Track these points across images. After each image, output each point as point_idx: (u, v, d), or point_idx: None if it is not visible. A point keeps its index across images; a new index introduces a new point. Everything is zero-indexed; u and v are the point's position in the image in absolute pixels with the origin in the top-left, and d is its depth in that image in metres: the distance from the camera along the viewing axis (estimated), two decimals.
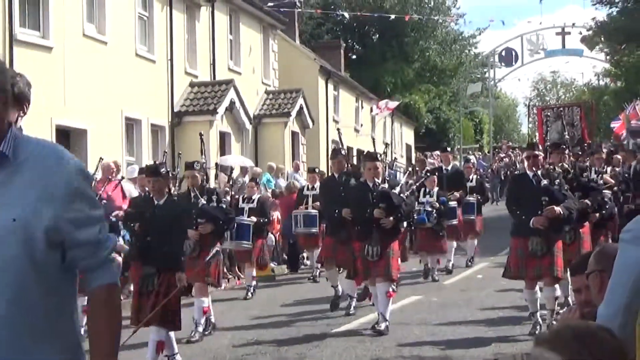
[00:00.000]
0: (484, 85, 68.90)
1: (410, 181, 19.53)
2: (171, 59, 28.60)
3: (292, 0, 43.63)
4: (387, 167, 16.60)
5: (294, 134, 35.48)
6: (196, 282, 13.84)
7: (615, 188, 18.81)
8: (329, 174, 17.91)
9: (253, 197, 18.90)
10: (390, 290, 14.25)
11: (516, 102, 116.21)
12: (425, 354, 12.54)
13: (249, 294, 18.82)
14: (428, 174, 21.36)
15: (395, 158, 24.22)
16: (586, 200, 15.17)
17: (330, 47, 48.75)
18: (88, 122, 23.51)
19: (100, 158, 16.26)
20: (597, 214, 15.89)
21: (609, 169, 20.11)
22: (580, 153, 21.96)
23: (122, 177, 19.55)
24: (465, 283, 20.03)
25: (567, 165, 15.73)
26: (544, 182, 13.04)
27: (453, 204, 21.00)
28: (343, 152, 16.69)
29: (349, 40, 56.49)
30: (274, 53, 37.84)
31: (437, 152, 36.66)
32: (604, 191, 16.77)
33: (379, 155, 15.00)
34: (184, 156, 27.31)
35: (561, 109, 42.66)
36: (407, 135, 57.88)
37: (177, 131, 28.70)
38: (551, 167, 14.80)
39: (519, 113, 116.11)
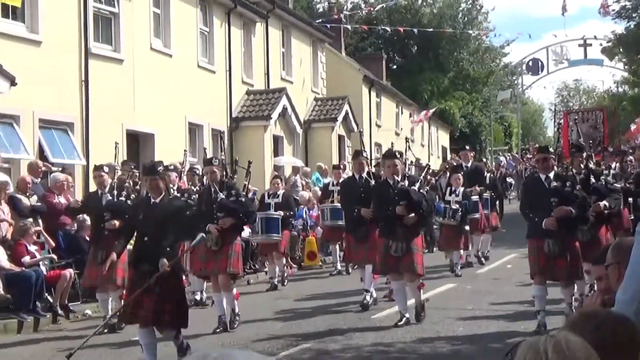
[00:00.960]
0: (513, 92, 68.74)
1: (429, 176, 18.90)
2: (229, 70, 28.62)
3: (338, 16, 43.72)
4: (407, 165, 15.30)
5: (340, 137, 35.42)
6: (220, 275, 13.08)
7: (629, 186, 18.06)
8: (351, 174, 16.58)
9: (278, 193, 18.47)
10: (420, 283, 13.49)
11: (542, 107, 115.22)
12: (460, 334, 12.44)
13: (280, 283, 18.50)
14: (447, 172, 20.87)
15: (418, 158, 23.35)
16: (604, 202, 13.85)
17: (373, 59, 48.63)
18: (155, 127, 23.57)
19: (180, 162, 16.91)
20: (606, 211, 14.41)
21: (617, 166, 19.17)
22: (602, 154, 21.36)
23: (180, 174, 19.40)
24: (497, 273, 19.68)
25: (585, 167, 14.64)
26: (554, 184, 12.15)
27: (475, 198, 20.06)
28: (365, 154, 15.85)
29: (390, 52, 56.38)
30: (322, 64, 37.81)
31: (471, 154, 36.41)
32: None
33: (397, 153, 13.90)
34: (241, 158, 27.53)
35: (586, 113, 42.14)
36: (443, 138, 57.67)
37: (235, 135, 28.75)
38: (569, 169, 14.28)
39: (544, 117, 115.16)
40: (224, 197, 12.94)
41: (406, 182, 13.09)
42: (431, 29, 52.44)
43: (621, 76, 69.88)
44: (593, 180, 14.15)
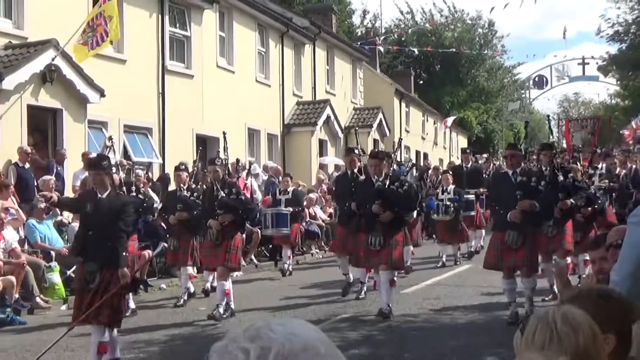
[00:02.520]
0: (521, 103, 68.38)
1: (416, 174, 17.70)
2: (282, 84, 28.65)
3: (374, 39, 43.79)
4: (393, 164, 13.88)
5: (375, 141, 35.31)
6: (218, 267, 12.02)
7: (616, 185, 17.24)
8: (344, 170, 14.79)
9: (288, 190, 17.74)
10: (394, 279, 12.16)
11: (546, 116, 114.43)
12: (475, 305, 12.36)
13: (287, 273, 17.26)
14: (443, 172, 19.84)
15: (410, 159, 21.57)
16: (571, 200, 12.54)
17: (403, 75, 48.43)
18: (220, 131, 23.52)
19: (237, 159, 16.09)
20: (589, 209, 13.21)
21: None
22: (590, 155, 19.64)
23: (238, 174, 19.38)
24: None
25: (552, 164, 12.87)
26: (520, 178, 10.83)
27: (471, 197, 18.65)
28: (357, 151, 14.27)
29: (417, 70, 56.09)
30: (360, 79, 37.76)
31: (485, 155, 36.18)
32: (591, 189, 13.89)
33: (381, 153, 12.58)
34: (292, 158, 27.51)
35: (584, 120, 41.65)
36: (462, 142, 57.24)
37: (286, 139, 28.78)
38: (539, 165, 13.06)
39: (548, 125, 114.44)
40: (224, 195, 11.88)
41: (387, 181, 11.75)
42: (452, 50, 52.31)
43: (614, 90, 69.31)
44: (561, 178, 12.69)
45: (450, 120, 47.14)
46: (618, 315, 2.85)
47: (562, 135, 44.06)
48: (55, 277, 13.39)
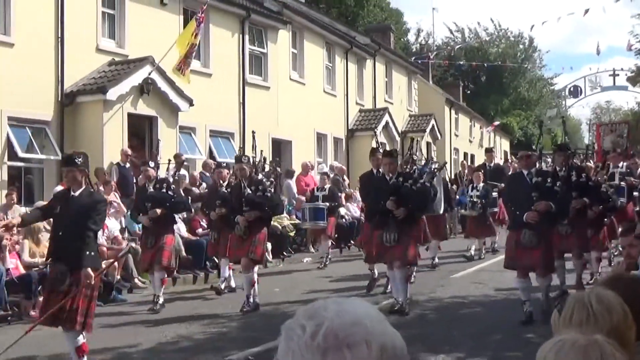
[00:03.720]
0: (558, 110, 67.25)
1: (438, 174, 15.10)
2: (347, 94, 28.51)
3: (427, 54, 43.54)
4: (409, 163, 12.55)
5: (428, 144, 35.00)
6: (242, 259, 11.01)
7: None
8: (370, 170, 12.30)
9: (325, 187, 16.98)
10: (410, 274, 11.42)
11: (580, 122, 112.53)
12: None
13: (324, 263, 16.20)
14: (474, 171, 18.34)
15: (432, 157, 19.34)
16: (584, 199, 11.30)
17: (452, 86, 47.98)
18: (292, 136, 23.64)
19: (264, 157, 14.98)
20: (600, 207, 11.82)
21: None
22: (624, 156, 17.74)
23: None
24: None
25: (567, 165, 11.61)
26: (536, 179, 9.69)
27: (495, 194, 17.26)
28: (379, 152, 12.41)
29: (465, 81, 55.60)
30: (414, 89, 37.46)
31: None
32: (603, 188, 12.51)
33: (394, 152, 11.46)
34: (355, 160, 27.38)
35: (613, 124, 40.61)
36: (505, 145, 56.55)
37: (350, 142, 28.69)
38: (553, 166, 11.61)
39: (582, 130, 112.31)
40: (250, 192, 10.90)
41: (401, 179, 10.63)
42: (496, 64, 51.77)
43: None
44: (575, 177, 11.38)
45: (494, 125, 46.62)
46: None
47: (594, 139, 43.27)
48: None
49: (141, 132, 17.72)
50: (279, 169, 18.04)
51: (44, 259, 9.90)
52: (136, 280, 13.02)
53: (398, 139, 31.56)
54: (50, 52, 15.97)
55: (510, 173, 16.10)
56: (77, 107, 16.30)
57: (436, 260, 15.54)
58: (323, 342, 1.34)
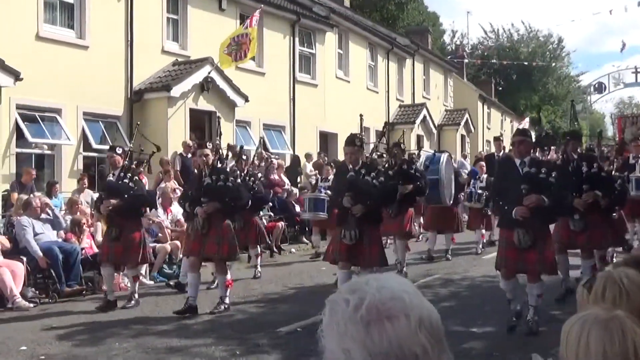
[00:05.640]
0: (583, 105, 66.12)
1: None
2: (388, 91, 28.34)
3: (462, 54, 43.14)
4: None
5: (462, 136, 34.66)
6: (214, 260, 9.17)
7: None
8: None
9: (329, 178, 14.71)
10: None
11: (604, 115, 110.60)
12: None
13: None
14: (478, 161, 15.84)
15: (422, 147, 17.11)
16: (596, 191, 8.81)
17: (485, 82, 47.37)
18: (338, 129, 23.54)
19: (228, 144, 12.88)
20: (606, 199, 9.15)
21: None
22: None
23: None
24: None
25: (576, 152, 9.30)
26: (527, 169, 7.35)
27: None
28: (402, 146, 11.94)
29: (497, 78, 54.82)
30: (450, 86, 37.08)
31: (553, 147, 34.97)
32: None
33: (357, 139, 8.47)
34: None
35: (634, 117, 39.60)
36: (533, 138, 56.05)
37: (391, 135, 28.48)
38: (564, 155, 9.43)
39: (606, 123, 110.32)
40: (210, 181, 8.78)
41: (364, 171, 8.23)
42: (526, 62, 51.02)
43: None
44: (586, 168, 9.01)
45: (526, 120, 45.95)
46: None
47: (616, 131, 42.34)
48: None
49: (201, 125, 17.80)
50: (269, 158, 17.25)
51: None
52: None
53: (434, 131, 31.36)
54: (121, 54, 16.13)
55: (501, 159, 12.74)
56: (145, 103, 16.44)
57: (449, 255, 13.59)
58: (366, 315, 1.33)
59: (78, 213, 11.68)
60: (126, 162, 9.44)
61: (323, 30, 23.08)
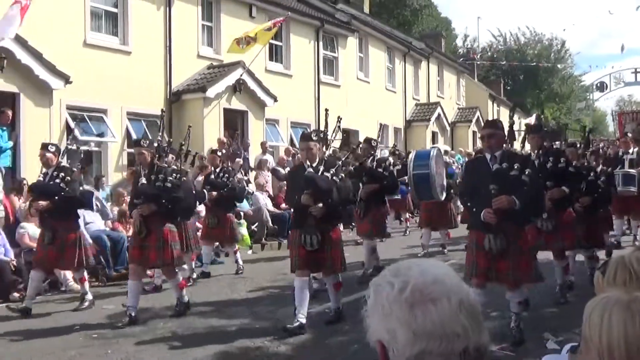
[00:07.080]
0: (586, 103, 65.44)
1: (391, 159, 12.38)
2: (405, 91, 28.17)
3: (473, 56, 42.85)
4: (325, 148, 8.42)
5: (474, 132, 34.41)
6: (162, 269, 8.14)
7: None
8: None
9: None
10: (339, 282, 7.32)
11: (606, 113, 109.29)
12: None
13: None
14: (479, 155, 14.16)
15: (395, 144, 16.31)
16: (563, 187, 7.49)
17: (494, 82, 46.97)
18: (359, 125, 23.47)
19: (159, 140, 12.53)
20: (588, 197, 8.43)
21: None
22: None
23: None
24: None
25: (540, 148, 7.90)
26: (497, 166, 6.04)
27: None
28: (373, 142, 10.81)
29: (506, 78, 54.38)
30: (462, 86, 36.78)
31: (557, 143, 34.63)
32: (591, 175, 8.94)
33: (313, 135, 7.29)
34: (412, 146, 27.05)
35: (634, 113, 39.02)
36: None
37: (408, 131, 28.38)
38: (525, 150, 8.45)
39: (607, 119, 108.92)
40: (144, 182, 7.48)
41: (322, 167, 7.00)
42: (533, 64, 50.58)
43: None
44: (551, 164, 7.66)
45: (533, 117, 45.56)
46: None
47: (617, 127, 41.85)
48: (243, 230, 13.61)
49: (234, 124, 17.85)
50: (296, 153, 16.00)
51: None
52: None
53: (448, 128, 31.18)
54: (161, 59, 16.22)
55: (471, 157, 10.91)
56: (182, 104, 16.53)
57: (446, 250, 12.43)
58: (410, 297, 1.32)
59: (124, 205, 11.80)
60: (75, 166, 8.54)
61: (345, 35, 23.02)
